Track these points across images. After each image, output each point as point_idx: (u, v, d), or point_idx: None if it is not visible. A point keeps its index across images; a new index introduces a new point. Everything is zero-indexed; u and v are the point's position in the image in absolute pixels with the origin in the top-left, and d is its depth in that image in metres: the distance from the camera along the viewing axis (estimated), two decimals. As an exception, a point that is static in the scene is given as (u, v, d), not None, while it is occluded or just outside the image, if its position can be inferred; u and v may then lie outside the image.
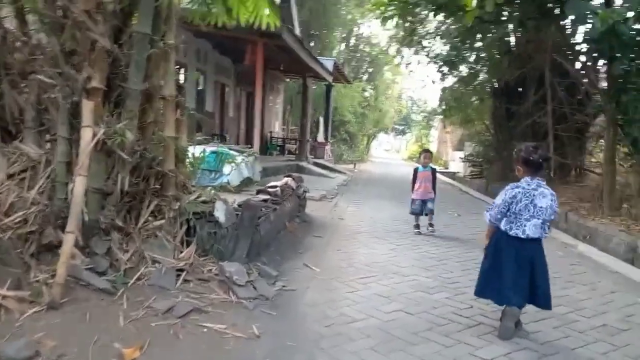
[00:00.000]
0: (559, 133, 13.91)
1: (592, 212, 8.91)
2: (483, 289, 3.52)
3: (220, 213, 4.12)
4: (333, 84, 22.46)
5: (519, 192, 3.29)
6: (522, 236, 3.29)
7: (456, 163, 26.89)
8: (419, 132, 48.43)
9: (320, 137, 21.37)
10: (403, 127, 53.21)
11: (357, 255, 5.56)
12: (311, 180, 13.71)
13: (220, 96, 16.82)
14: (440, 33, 15.97)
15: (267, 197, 5.12)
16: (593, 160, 14.88)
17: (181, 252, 3.91)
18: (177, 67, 12.67)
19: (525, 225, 3.28)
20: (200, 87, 14.50)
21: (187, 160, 4.97)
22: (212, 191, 4.57)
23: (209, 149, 11.02)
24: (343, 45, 33.73)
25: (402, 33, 17.44)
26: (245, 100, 19.32)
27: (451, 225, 8.31)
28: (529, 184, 3.29)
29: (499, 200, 3.38)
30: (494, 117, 17.83)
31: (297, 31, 21.26)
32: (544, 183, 3.34)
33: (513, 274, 3.30)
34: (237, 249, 4.19)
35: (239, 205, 4.48)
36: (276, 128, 22.69)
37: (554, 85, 13.68)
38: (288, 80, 23.40)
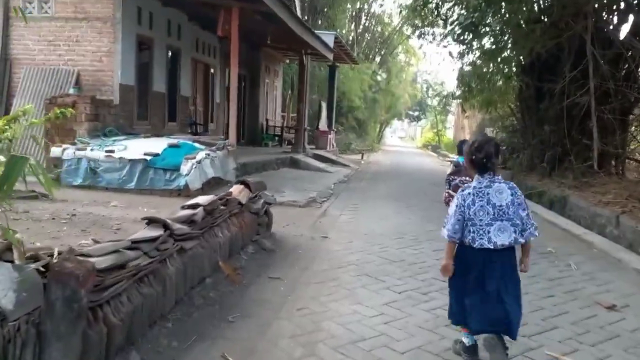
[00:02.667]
0: (602, 115, 11.51)
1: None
2: (453, 316, 2.94)
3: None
4: (337, 64, 20.06)
5: (469, 193, 2.79)
6: (490, 246, 2.71)
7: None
8: (434, 118, 45.71)
9: (323, 125, 19.00)
10: (418, 112, 50.41)
11: (329, 325, 3.30)
12: (304, 178, 11.46)
13: (203, 79, 14.57)
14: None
15: (159, 233, 2.83)
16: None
17: None
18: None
19: (489, 232, 2.72)
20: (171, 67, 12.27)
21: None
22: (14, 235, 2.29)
23: (167, 142, 8.83)
24: (352, 26, 31.17)
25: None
26: (237, 84, 17.00)
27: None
28: (479, 182, 2.81)
29: (451, 209, 2.85)
30: (521, 98, 15.53)
31: (297, 6, 18.92)
32: (499, 177, 2.81)
33: (481, 296, 2.72)
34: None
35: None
36: (275, 116, 20.39)
37: (596, 58, 11.22)
38: (287, 61, 21.03)
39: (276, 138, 18.21)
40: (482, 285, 2.72)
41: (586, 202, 8.63)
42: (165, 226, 2.98)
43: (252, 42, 16.22)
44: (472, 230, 2.74)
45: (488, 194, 2.74)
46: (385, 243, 5.79)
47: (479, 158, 2.75)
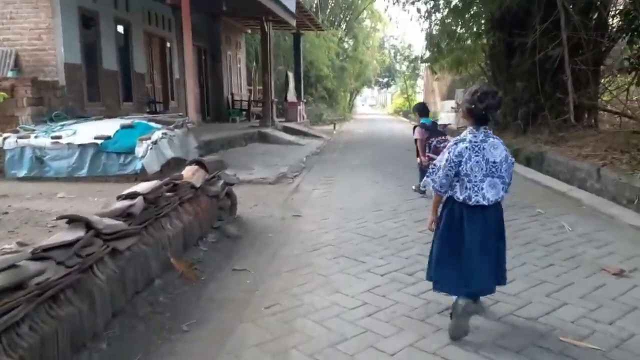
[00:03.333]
0: (575, 67, 11.22)
1: (635, 165, 6.28)
2: (440, 279, 2.72)
3: None
4: (302, 32, 19.22)
5: (466, 147, 2.59)
6: (485, 202, 2.60)
7: (447, 114, 24.07)
8: (404, 84, 45.20)
9: (291, 96, 18.25)
10: (387, 79, 49.76)
11: (303, 324, 2.79)
12: (274, 152, 10.86)
13: (160, 54, 13.62)
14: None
15: (77, 236, 2.21)
16: (605, 98, 12.20)
17: None
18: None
19: (482, 189, 2.59)
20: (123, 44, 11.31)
21: None
22: None
23: (120, 123, 8.07)
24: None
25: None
26: (196, 57, 16.07)
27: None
28: (475, 136, 2.60)
29: (442, 160, 2.67)
30: (491, 55, 15.19)
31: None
32: (491, 132, 2.62)
33: (480, 254, 2.59)
34: None
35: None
36: (241, 90, 19.51)
37: (567, 8, 10.83)
38: (249, 31, 20.05)
39: (243, 113, 17.43)
40: (484, 243, 2.60)
41: (564, 156, 8.35)
42: (89, 225, 2.38)
43: (210, 12, 15.27)
44: (468, 186, 2.59)
45: (484, 148, 2.59)
46: (362, 217, 5.29)
47: (479, 109, 2.54)
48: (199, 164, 4.43)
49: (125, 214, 2.77)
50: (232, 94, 17.63)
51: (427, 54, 20.01)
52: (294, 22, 14.50)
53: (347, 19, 32.40)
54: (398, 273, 3.56)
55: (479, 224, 2.59)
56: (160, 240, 3.09)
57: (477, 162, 2.57)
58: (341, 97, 33.83)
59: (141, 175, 7.21)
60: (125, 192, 3.07)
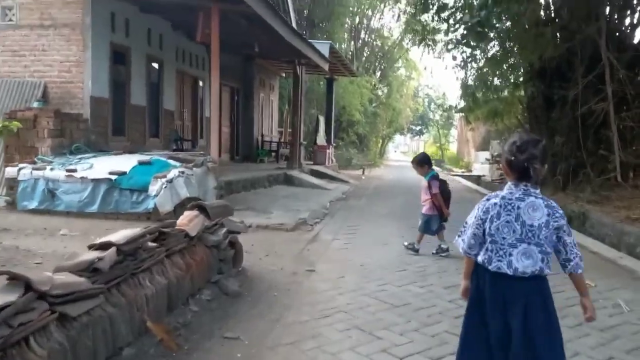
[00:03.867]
0: (621, 123, 10.64)
1: None
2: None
3: None
4: (335, 77, 19.15)
5: (495, 203, 2.19)
6: (509, 272, 2.13)
7: (481, 165, 23.32)
8: (437, 132, 44.72)
9: (321, 140, 17.96)
10: (420, 127, 49.44)
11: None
12: (298, 195, 10.40)
13: (191, 92, 13.61)
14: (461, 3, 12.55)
15: (10, 299, 1.71)
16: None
17: None
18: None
19: (510, 255, 2.14)
20: (155, 80, 11.29)
21: None
22: None
23: (137, 159, 7.80)
24: (352, 42, 30.32)
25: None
26: (229, 97, 16.11)
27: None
28: (511, 192, 2.19)
29: (471, 217, 2.28)
30: (529, 108, 14.64)
31: (292, 18, 18.07)
32: (537, 191, 2.17)
33: (498, 349, 2.14)
34: None
35: None
36: (272, 131, 19.40)
37: (612, 62, 10.31)
38: (284, 75, 20.12)
39: (272, 154, 17.21)
40: (500, 327, 2.14)
41: (610, 217, 7.63)
42: (29, 285, 1.91)
43: (244, 54, 15.37)
44: (489, 248, 2.20)
45: (519, 207, 2.16)
46: (384, 277, 4.69)
47: (519, 161, 2.13)
48: (200, 208, 3.97)
49: (90, 269, 2.31)
50: (262, 135, 17.48)
51: (462, 103, 19.63)
52: (326, 67, 14.36)
53: (382, 67, 32.50)
54: (421, 357, 2.94)
55: (500, 301, 2.13)
56: (134, 300, 2.59)
57: (507, 222, 2.16)
58: (372, 143, 33.54)
59: (154, 215, 6.84)
60: (98, 241, 2.61)
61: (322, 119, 18.57)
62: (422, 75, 39.71)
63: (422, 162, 5.93)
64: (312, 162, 17.17)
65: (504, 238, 2.15)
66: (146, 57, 10.77)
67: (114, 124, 9.69)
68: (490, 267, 2.17)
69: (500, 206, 2.17)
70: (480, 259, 2.22)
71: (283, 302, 3.88)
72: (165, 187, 6.87)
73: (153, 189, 6.88)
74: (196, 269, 3.54)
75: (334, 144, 20.49)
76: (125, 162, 7.58)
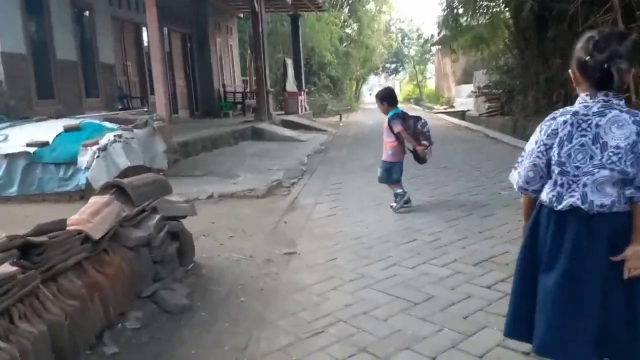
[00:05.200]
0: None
1: None
2: (514, 325, 1.84)
3: None
4: (300, 13, 17.29)
5: (567, 121, 1.66)
6: (584, 207, 1.65)
7: (464, 99, 22.09)
8: (413, 69, 42.99)
9: (291, 86, 16.32)
10: (395, 65, 47.47)
11: None
12: (269, 152, 9.04)
13: (134, 43, 11.79)
14: None
15: None
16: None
17: None
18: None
19: (585, 186, 1.65)
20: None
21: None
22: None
23: (62, 124, 6.27)
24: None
25: None
26: (180, 45, 14.29)
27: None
28: (587, 106, 1.66)
29: (530, 143, 1.76)
30: (518, 28, 13.26)
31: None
32: (621, 102, 1.65)
33: (564, 303, 1.67)
34: None
35: None
36: (235, 81, 17.64)
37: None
38: (241, 15, 18.13)
39: (238, 106, 15.62)
40: (570, 278, 1.64)
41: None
42: None
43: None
44: (559, 180, 1.67)
45: (597, 125, 1.61)
46: (389, 255, 3.46)
47: (598, 62, 1.58)
48: (118, 190, 2.61)
49: None
50: (224, 86, 15.77)
51: (442, 34, 18.06)
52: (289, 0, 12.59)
53: (350, 1, 30.34)
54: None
55: (570, 244, 1.65)
56: None
57: (581, 144, 1.64)
58: (347, 86, 31.85)
59: (88, 192, 5.42)
60: None
61: (290, 63, 16.87)
62: (394, 8, 37.67)
63: (382, 98, 4.77)
64: (283, 112, 15.66)
65: (577, 167, 1.65)
66: (69, 3, 8.93)
67: (39, 84, 8.04)
68: (560, 207, 1.67)
69: (572, 125, 1.65)
70: (545, 196, 1.72)
71: (253, 313, 2.62)
72: (98, 156, 5.43)
73: (83, 160, 5.44)
74: (110, 288, 2.23)
75: (306, 90, 18.89)
76: (49, 130, 6.07)
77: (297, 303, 2.77)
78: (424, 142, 4.62)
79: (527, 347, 1.95)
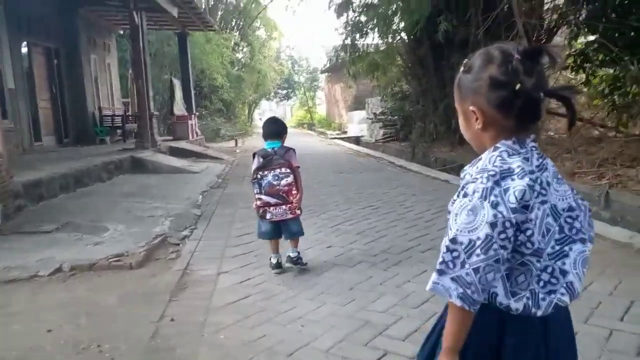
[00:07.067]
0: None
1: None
2: None
3: None
4: (188, 32, 15.68)
5: (532, 186, 1.13)
6: (567, 300, 1.21)
7: (357, 125, 21.82)
8: (303, 95, 42.91)
9: (179, 109, 14.55)
10: (287, 90, 47.20)
11: None
12: (152, 189, 7.33)
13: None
14: None
15: None
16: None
17: None
18: None
19: (566, 273, 1.18)
20: None
21: None
22: None
23: None
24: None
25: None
26: (44, 61, 11.97)
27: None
28: (526, 159, 1.16)
29: (474, 227, 1.09)
30: (415, 55, 13.09)
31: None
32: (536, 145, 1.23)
33: None
34: None
35: None
36: (113, 102, 15.40)
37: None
38: (121, 32, 16.04)
39: (118, 131, 13.49)
40: None
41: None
42: None
43: (60, 1, 11.39)
44: (534, 273, 1.16)
45: (548, 184, 1.17)
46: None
47: (531, 88, 1.12)
48: None
49: None
50: (99, 109, 13.55)
51: (334, 61, 17.51)
52: (175, 12, 11.01)
53: (240, 26, 29.21)
54: None
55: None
56: None
57: (547, 215, 1.15)
58: (239, 110, 30.52)
59: None
60: None
61: (177, 84, 15.10)
62: (283, 35, 37.30)
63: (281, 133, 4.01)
64: (171, 138, 13.83)
65: (553, 247, 1.17)
66: None
67: None
68: (540, 312, 1.15)
69: (533, 189, 1.12)
70: (511, 302, 1.15)
71: None
72: None
73: None
74: None
75: (197, 113, 17.18)
76: None
77: None
78: (260, 196, 3.78)
79: None
